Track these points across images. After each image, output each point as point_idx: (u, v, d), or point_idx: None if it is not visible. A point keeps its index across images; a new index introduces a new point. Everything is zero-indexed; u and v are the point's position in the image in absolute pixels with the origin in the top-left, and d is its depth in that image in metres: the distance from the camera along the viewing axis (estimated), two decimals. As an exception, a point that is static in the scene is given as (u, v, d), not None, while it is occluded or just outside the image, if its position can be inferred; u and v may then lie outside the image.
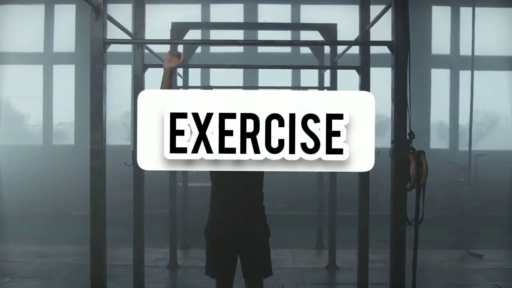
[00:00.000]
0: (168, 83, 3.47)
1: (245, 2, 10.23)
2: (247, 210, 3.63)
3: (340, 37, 6.32)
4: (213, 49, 10.10)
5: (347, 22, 9.91)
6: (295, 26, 7.93)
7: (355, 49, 9.66)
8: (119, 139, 10.29)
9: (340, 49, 6.27)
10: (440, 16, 10.28)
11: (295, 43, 3.50)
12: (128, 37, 4.40)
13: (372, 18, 4.36)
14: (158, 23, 8.04)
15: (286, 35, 9.50)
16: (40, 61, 10.38)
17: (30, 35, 10.22)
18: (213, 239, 3.73)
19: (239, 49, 9.96)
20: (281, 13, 10.19)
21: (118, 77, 9.17)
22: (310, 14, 10.17)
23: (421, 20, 9.83)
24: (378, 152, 4.48)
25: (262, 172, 3.72)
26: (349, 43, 4.27)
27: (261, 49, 10.02)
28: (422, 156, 3.37)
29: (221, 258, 3.70)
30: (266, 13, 10.20)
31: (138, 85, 4.55)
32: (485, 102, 10.53)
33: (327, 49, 6.81)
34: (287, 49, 9.75)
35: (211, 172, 3.74)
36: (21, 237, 7.99)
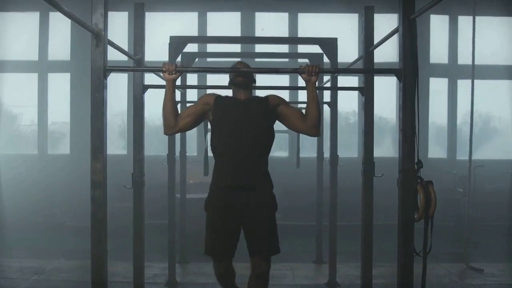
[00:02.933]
0: (172, 94, 3.43)
1: (242, 11, 10.15)
2: (252, 177, 3.51)
3: (340, 50, 6.24)
4: (210, 48, 9.93)
5: (346, 31, 9.91)
6: (295, 40, 7.85)
7: (354, 56, 9.63)
8: (115, 148, 10.19)
9: (341, 63, 6.24)
10: (438, 25, 10.24)
11: (300, 70, 3.42)
12: (128, 56, 4.35)
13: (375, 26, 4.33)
14: (156, 35, 8.00)
15: (284, 46, 9.44)
16: (35, 69, 10.25)
17: (24, 43, 10.09)
18: (214, 210, 3.61)
19: (237, 48, 9.80)
20: (279, 22, 10.12)
21: (114, 83, 9.06)
22: (308, 23, 10.11)
23: (419, 29, 9.76)
24: (382, 175, 4.48)
25: (270, 133, 3.62)
26: (355, 71, 4.21)
27: (258, 54, 9.91)
28: (431, 187, 3.30)
29: (221, 233, 3.57)
30: (264, 21, 10.13)
31: (137, 106, 4.47)
32: (484, 111, 10.54)
33: (326, 58, 6.72)
34: (285, 48, 9.62)
35: (212, 132, 3.65)
36: (16, 250, 7.87)
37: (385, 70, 3.40)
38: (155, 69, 3.51)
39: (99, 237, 3.25)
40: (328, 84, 6.29)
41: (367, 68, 4.00)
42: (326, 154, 6.68)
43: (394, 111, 10.02)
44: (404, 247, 3.33)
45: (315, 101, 3.46)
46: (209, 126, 3.77)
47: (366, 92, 4.22)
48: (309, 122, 3.49)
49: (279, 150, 10.25)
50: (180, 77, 6.78)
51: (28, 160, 10.14)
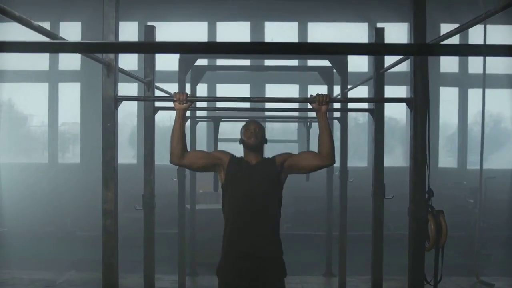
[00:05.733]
0: (182, 124, 3.44)
1: (252, 20, 10.16)
2: (262, 245, 3.53)
3: (350, 59, 6.22)
4: (219, 61, 10.03)
5: (356, 40, 9.87)
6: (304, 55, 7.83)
7: (364, 67, 9.62)
8: (124, 157, 10.22)
9: (351, 75, 6.24)
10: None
11: (310, 100, 3.42)
12: (139, 80, 4.37)
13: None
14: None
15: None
16: (45, 79, 10.31)
17: (35, 53, 10.14)
18: (224, 277, 3.64)
19: (246, 62, 9.84)
20: (288, 31, 10.13)
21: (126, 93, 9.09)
22: (317, 32, 10.11)
23: (429, 37, 9.72)
24: (392, 196, 4.47)
25: (280, 197, 3.64)
26: (365, 100, 4.19)
27: (268, 62, 9.93)
28: (441, 216, 3.29)
29: None
30: (273, 31, 10.14)
31: (148, 127, 4.48)
32: (495, 120, 10.48)
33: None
34: (295, 62, 9.62)
35: (223, 195, 3.67)
36: (27, 260, 7.90)
37: (396, 100, 3.40)
38: (166, 98, 3.52)
39: (110, 265, 3.27)
40: (338, 98, 6.27)
41: (377, 98, 3.99)
42: (336, 163, 6.65)
43: (404, 111, 9.95)
44: (415, 276, 3.33)
45: (327, 130, 3.45)
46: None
47: (377, 115, 4.20)
48: (322, 152, 3.48)
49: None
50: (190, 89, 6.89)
51: (39, 170, 10.20)
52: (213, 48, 1.61)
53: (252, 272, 3.52)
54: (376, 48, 2.05)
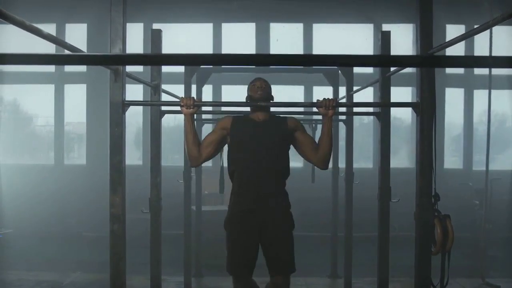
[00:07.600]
0: (192, 127, 3.47)
1: (257, 22, 10.16)
2: (270, 198, 3.55)
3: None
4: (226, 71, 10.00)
5: (361, 41, 9.88)
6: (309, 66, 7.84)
7: (370, 68, 9.61)
8: (130, 159, 10.24)
9: (356, 76, 6.24)
10: (454, 34, 10.12)
11: (317, 104, 3.43)
12: (145, 84, 4.38)
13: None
14: (172, 46, 8.03)
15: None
16: (51, 80, 10.34)
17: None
18: (232, 231, 3.67)
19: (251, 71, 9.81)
20: (294, 33, 10.12)
21: (132, 95, 9.11)
22: (323, 33, 10.10)
23: (434, 40, 9.68)
24: (398, 200, 4.48)
25: (286, 154, 3.65)
26: (372, 105, 4.20)
27: (274, 68, 9.85)
28: (448, 221, 3.30)
29: (240, 252, 3.63)
30: (278, 32, 10.13)
31: (155, 130, 4.50)
32: (500, 120, 10.45)
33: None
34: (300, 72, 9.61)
35: (230, 154, 3.69)
36: (33, 261, 7.94)
37: (403, 104, 3.40)
38: (173, 103, 3.54)
39: (118, 270, 3.28)
40: (345, 103, 6.28)
41: (383, 102, 3.99)
42: (342, 164, 6.66)
43: (409, 112, 9.92)
44: (421, 280, 3.33)
45: (329, 136, 3.48)
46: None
47: (383, 118, 4.21)
48: (319, 156, 3.53)
49: (293, 161, 10.20)
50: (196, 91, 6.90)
51: (45, 171, 10.24)
52: (224, 60, 1.62)
53: (259, 222, 3.53)
54: (383, 60, 2.07)
